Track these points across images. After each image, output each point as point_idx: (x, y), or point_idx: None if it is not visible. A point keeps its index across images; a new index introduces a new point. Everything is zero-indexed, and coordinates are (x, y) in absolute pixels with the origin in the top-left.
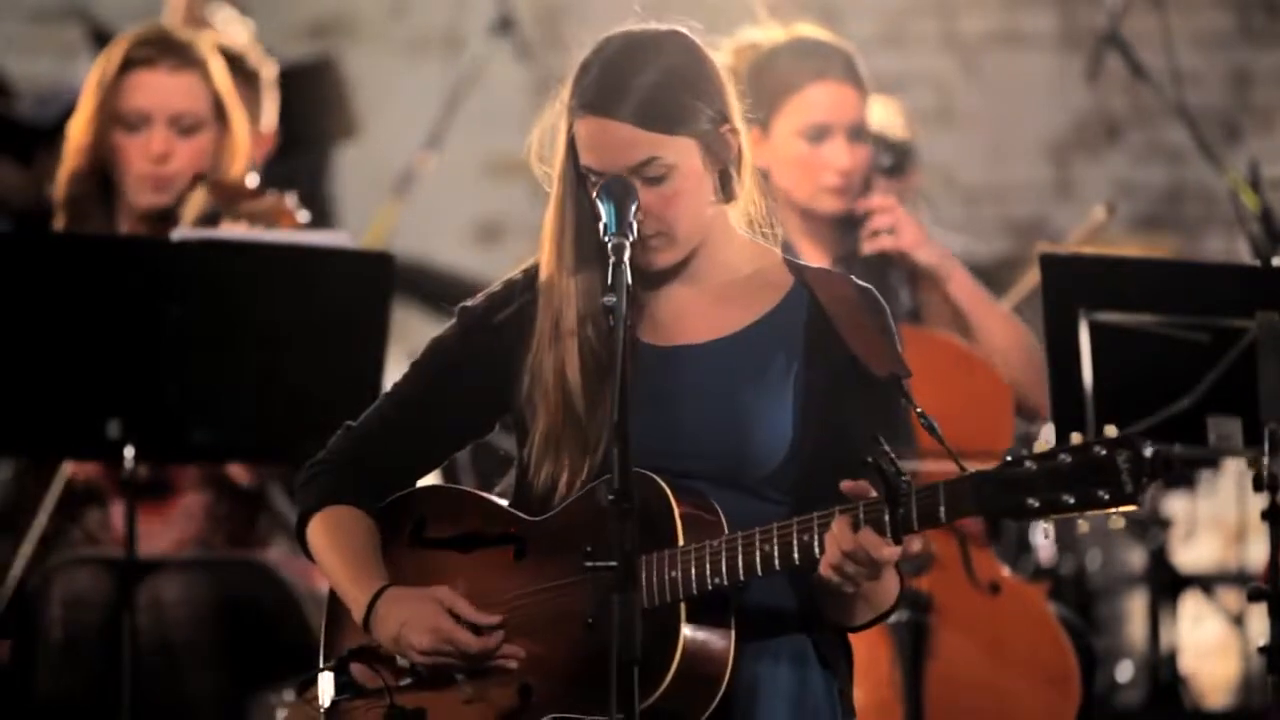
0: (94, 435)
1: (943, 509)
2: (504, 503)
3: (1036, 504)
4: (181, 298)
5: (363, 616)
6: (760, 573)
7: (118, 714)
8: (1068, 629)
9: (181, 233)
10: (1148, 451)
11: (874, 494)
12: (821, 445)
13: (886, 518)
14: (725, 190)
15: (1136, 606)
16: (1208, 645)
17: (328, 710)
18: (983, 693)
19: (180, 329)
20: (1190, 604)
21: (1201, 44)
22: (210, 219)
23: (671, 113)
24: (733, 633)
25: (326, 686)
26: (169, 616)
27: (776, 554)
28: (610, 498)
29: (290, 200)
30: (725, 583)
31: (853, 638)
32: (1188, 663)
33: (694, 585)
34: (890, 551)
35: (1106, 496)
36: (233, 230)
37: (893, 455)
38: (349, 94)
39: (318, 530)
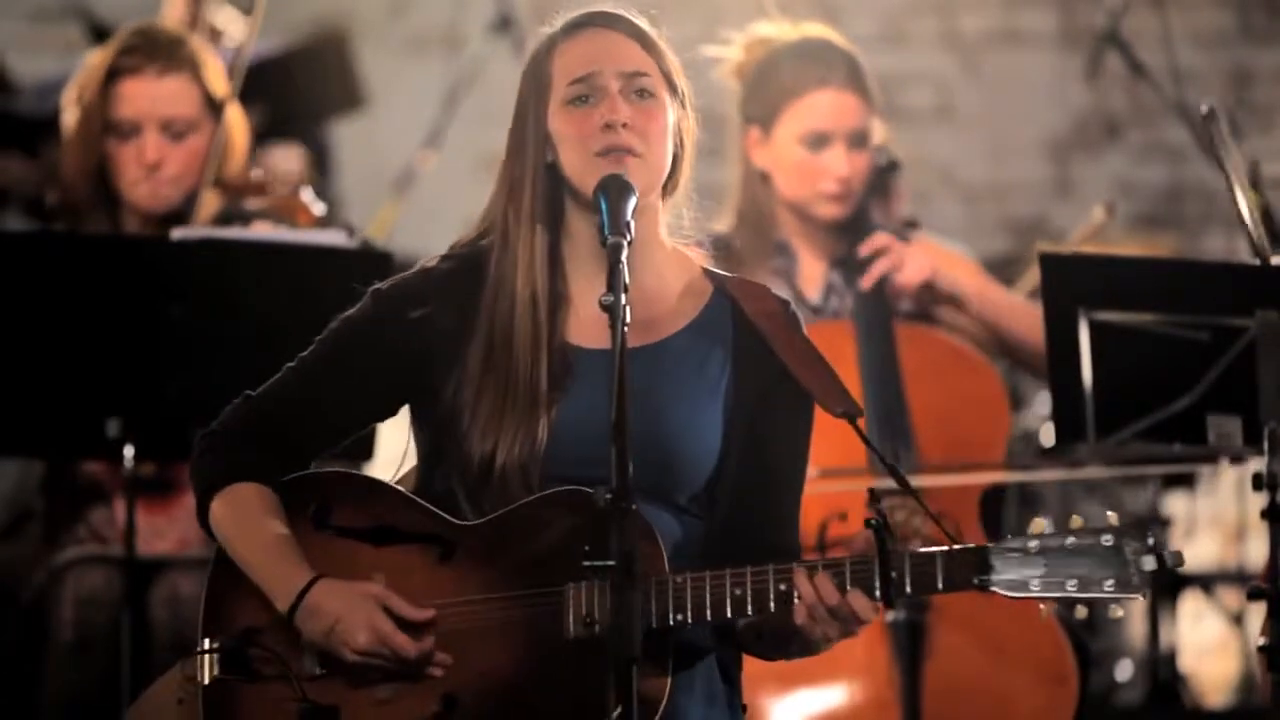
0: (94, 434)
1: (940, 579)
2: (417, 498)
3: (1038, 586)
4: (181, 298)
5: (288, 606)
6: (730, 615)
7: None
8: (1064, 627)
9: (181, 232)
10: (1153, 542)
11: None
12: (745, 460)
13: (877, 580)
14: (671, 174)
15: (1136, 605)
16: (1207, 644)
17: (207, 687)
18: (980, 691)
19: (180, 329)
20: (1190, 603)
21: (1201, 43)
22: (225, 219)
23: (659, 51)
24: (670, 663)
25: (210, 661)
26: (186, 613)
27: (750, 599)
28: (609, 497)
29: (306, 194)
30: (689, 620)
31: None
32: (1187, 662)
33: (653, 618)
34: (874, 613)
35: (1111, 585)
36: (256, 230)
37: (886, 517)
38: (355, 66)
39: (225, 509)
